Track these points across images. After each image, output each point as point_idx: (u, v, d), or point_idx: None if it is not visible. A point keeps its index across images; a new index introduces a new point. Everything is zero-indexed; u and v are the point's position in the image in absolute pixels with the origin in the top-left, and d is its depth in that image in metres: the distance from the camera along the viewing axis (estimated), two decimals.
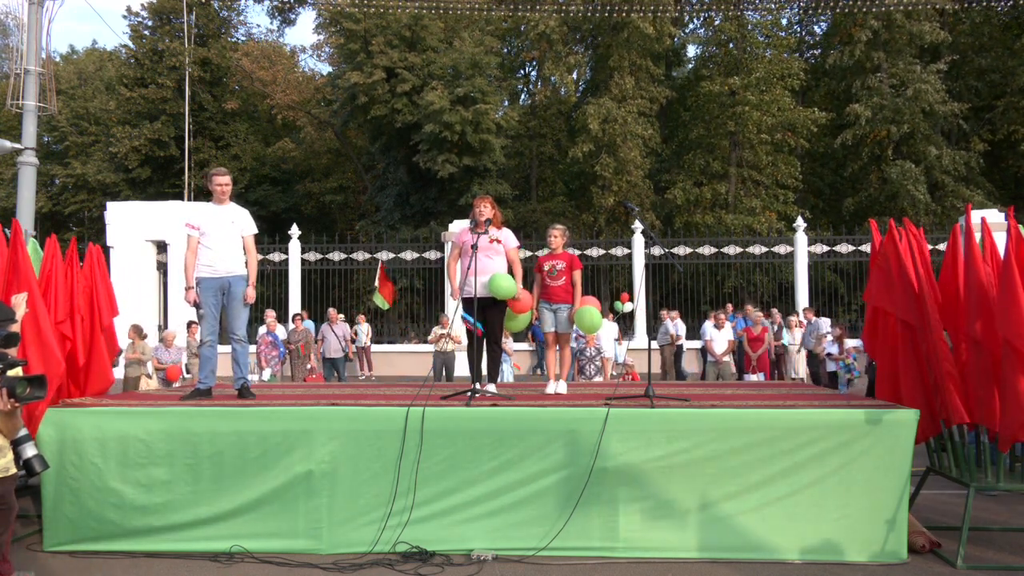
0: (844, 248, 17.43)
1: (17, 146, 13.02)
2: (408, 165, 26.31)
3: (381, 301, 16.16)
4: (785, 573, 4.54)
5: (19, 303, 4.34)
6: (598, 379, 10.55)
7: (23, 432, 3.87)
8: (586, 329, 6.00)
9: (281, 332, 13.61)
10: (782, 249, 17.56)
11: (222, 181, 5.77)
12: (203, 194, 23.55)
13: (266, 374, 12.08)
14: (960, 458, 4.99)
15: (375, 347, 17.26)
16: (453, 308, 7.92)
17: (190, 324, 12.10)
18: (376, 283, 16.22)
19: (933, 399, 5.02)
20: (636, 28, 24.16)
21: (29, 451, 3.88)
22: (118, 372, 8.25)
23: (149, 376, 9.96)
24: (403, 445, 4.86)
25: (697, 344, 16.22)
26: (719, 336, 11.61)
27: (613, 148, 24.31)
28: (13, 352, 3.95)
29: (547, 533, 4.76)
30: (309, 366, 12.79)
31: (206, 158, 29.18)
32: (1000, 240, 4.99)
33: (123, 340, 10.37)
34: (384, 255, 17.71)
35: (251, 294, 5.77)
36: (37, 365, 4.73)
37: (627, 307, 15.19)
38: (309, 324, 14.20)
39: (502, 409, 5.08)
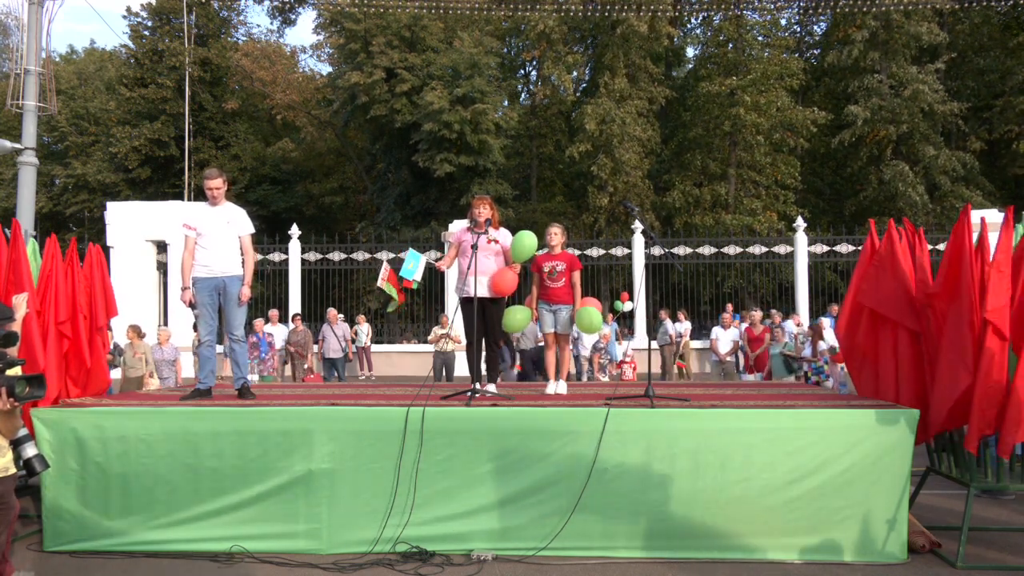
0: (844, 248, 17.43)
1: (17, 146, 13.01)
2: (409, 165, 26.33)
3: (395, 294, 15.82)
4: (785, 573, 4.54)
5: (20, 303, 4.34)
6: (603, 378, 10.69)
7: (23, 432, 3.87)
8: (585, 329, 6.01)
9: (281, 332, 13.59)
10: (782, 249, 17.56)
11: (212, 185, 5.74)
12: (203, 194, 23.56)
13: (253, 378, 11.93)
14: (960, 458, 4.99)
15: (375, 347, 17.26)
16: (453, 308, 7.93)
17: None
18: (385, 286, 15.88)
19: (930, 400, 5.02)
20: (631, 26, 24.14)
21: (29, 451, 3.87)
22: (115, 373, 8.25)
23: (151, 376, 9.95)
24: (403, 445, 4.87)
25: (697, 344, 16.30)
26: (724, 336, 11.83)
27: (610, 148, 24.30)
28: (13, 352, 3.96)
29: (547, 533, 4.76)
30: (306, 366, 12.77)
31: (206, 158, 29.16)
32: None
33: (122, 340, 10.43)
34: (384, 255, 17.70)
35: (246, 293, 5.78)
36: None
37: (627, 307, 15.19)
38: (278, 328, 13.90)
39: (502, 409, 5.08)
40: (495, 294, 5.94)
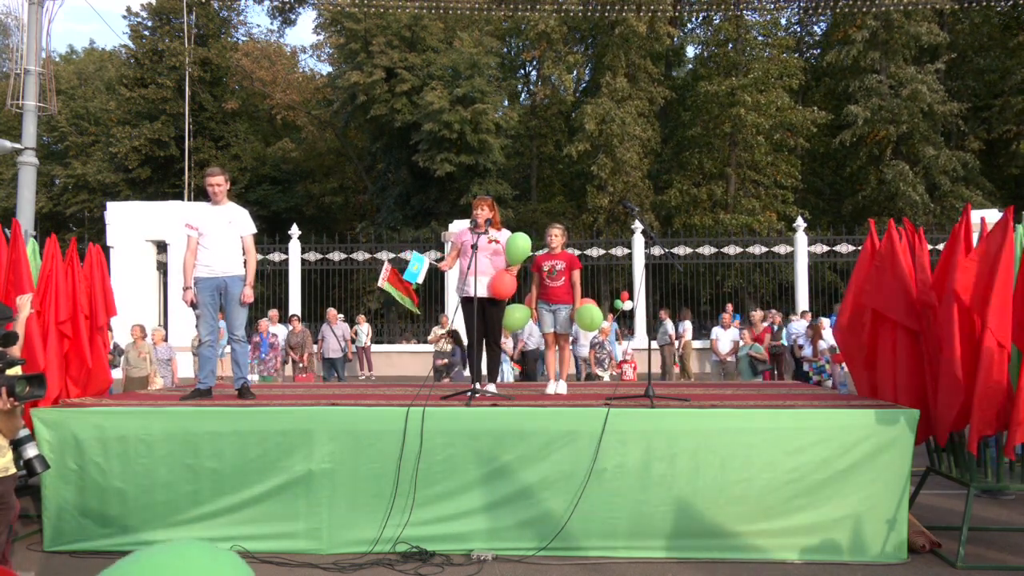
0: (844, 248, 17.43)
1: (17, 146, 13.01)
2: (409, 165, 26.34)
3: (408, 303, 15.56)
4: (785, 573, 4.54)
5: (24, 304, 4.32)
6: (599, 372, 10.72)
7: (24, 432, 3.87)
8: (586, 327, 6.02)
9: (281, 332, 13.56)
10: (782, 249, 17.55)
11: (214, 181, 5.74)
12: (203, 194, 23.58)
13: (254, 378, 11.87)
14: (960, 458, 4.99)
15: (375, 347, 17.26)
16: (453, 308, 7.94)
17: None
18: (386, 286, 15.57)
19: (933, 401, 5.02)
20: (629, 26, 24.14)
21: (30, 451, 3.87)
22: (114, 373, 8.23)
23: (155, 375, 9.94)
24: (403, 445, 4.86)
25: (697, 344, 16.30)
26: (724, 336, 11.85)
27: (610, 148, 24.30)
28: (15, 351, 3.96)
29: (547, 533, 4.76)
30: (301, 365, 12.73)
31: (206, 158, 29.16)
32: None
33: (123, 340, 10.41)
34: (384, 255, 17.70)
35: (248, 294, 5.77)
36: None
37: (627, 305, 15.19)
38: (279, 328, 13.83)
39: (502, 409, 5.08)
40: (494, 297, 5.94)
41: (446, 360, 11.13)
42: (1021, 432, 4.49)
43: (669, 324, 14.69)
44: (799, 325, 12.43)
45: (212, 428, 5.00)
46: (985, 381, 4.56)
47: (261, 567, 4.69)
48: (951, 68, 26.15)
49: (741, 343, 11.88)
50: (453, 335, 11.54)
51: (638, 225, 16.99)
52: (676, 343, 14.53)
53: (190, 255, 5.76)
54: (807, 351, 11.48)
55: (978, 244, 4.86)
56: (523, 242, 5.84)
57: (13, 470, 3.80)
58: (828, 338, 11.22)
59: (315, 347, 13.52)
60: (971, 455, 4.79)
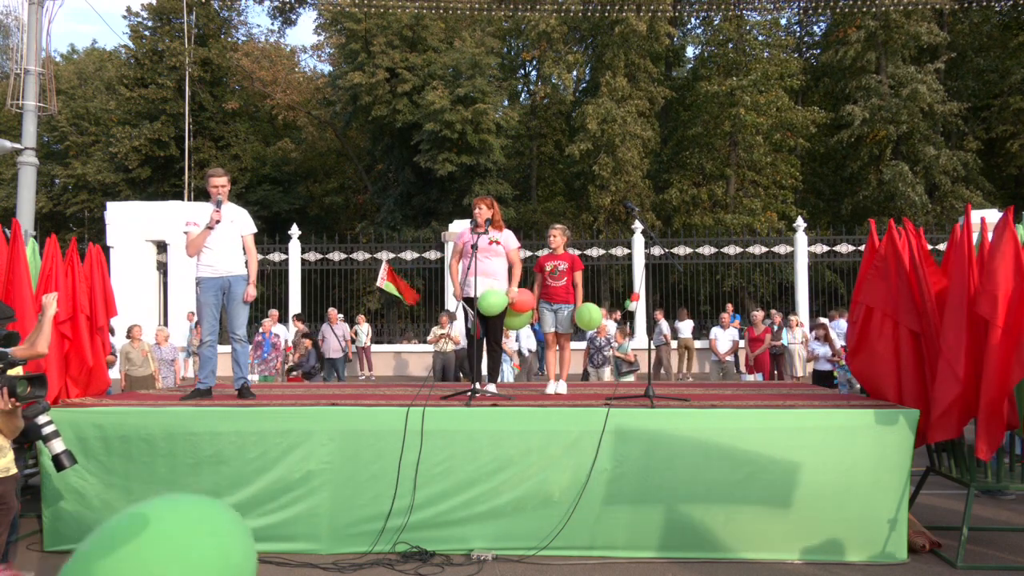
0: (844, 248, 17.42)
1: (17, 146, 13.00)
2: (410, 165, 26.35)
3: (399, 294, 15.69)
4: (785, 573, 4.55)
5: (49, 302, 4.28)
6: (606, 369, 10.70)
7: (52, 428, 3.86)
8: (585, 325, 6.04)
9: (283, 332, 13.54)
10: (782, 249, 17.55)
11: (218, 183, 5.74)
12: (203, 194, 23.52)
13: (254, 378, 11.85)
14: (960, 458, 4.99)
15: (375, 347, 17.26)
16: (456, 308, 7.96)
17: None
18: (385, 285, 15.70)
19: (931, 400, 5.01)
20: (629, 26, 24.14)
21: (57, 447, 3.86)
22: (112, 373, 8.24)
23: (157, 375, 9.94)
24: (403, 445, 4.86)
25: (697, 344, 16.31)
26: (723, 336, 11.84)
27: (611, 148, 24.31)
28: (41, 348, 3.98)
29: (547, 533, 4.76)
30: (294, 366, 12.68)
31: (206, 158, 29.14)
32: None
33: (122, 341, 10.40)
34: (384, 255, 17.70)
35: (251, 292, 5.78)
36: None
37: (632, 306, 15.21)
38: (280, 328, 13.81)
39: (502, 409, 5.08)
40: (518, 311, 5.94)
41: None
42: None
43: (664, 324, 14.71)
44: (840, 324, 12.15)
45: (212, 428, 5.00)
46: (989, 380, 4.54)
47: (261, 567, 4.69)
48: (951, 68, 26.15)
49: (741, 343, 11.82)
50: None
51: (638, 225, 16.98)
52: (673, 343, 14.55)
53: (190, 248, 5.78)
54: (822, 351, 11.26)
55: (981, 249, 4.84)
56: (494, 299, 5.67)
57: (14, 471, 3.80)
58: (833, 338, 11.16)
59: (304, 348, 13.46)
60: (971, 455, 4.78)
